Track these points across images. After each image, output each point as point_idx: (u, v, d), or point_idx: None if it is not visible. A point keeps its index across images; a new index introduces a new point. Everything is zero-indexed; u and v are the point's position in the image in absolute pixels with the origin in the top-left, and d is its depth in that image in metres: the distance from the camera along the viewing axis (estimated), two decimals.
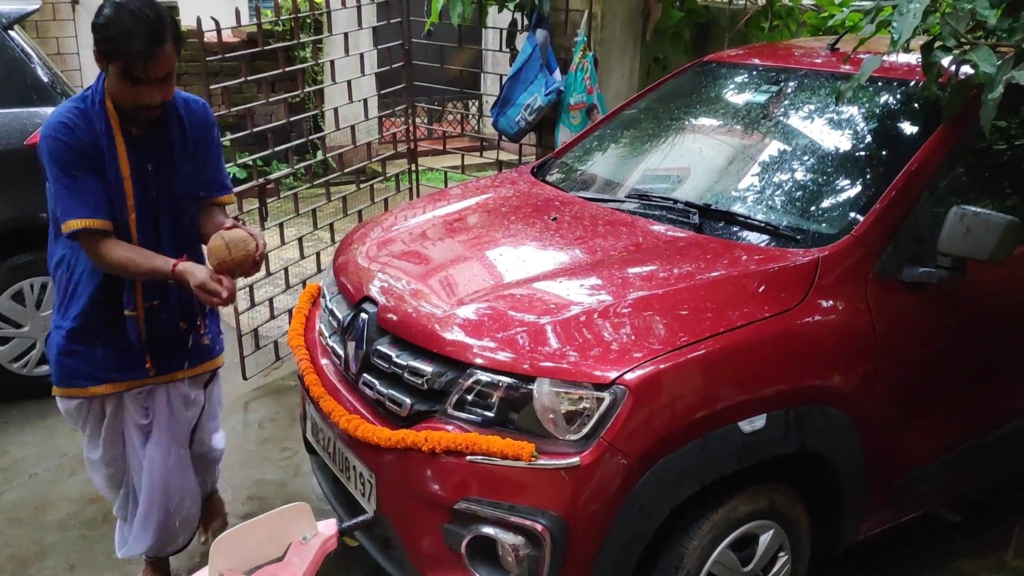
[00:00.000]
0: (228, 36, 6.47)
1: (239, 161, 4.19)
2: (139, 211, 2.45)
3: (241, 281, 4.16)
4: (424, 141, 6.24)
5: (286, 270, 4.43)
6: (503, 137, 4.81)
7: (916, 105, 2.86)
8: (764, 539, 2.38)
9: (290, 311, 4.47)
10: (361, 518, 2.05)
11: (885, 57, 2.59)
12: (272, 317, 4.41)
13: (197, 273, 2.34)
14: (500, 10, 4.81)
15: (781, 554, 2.46)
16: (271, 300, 4.39)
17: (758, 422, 2.21)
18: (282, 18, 4.68)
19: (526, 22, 4.66)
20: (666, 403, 2.12)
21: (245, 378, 4.25)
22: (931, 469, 2.69)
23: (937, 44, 2.28)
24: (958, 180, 2.71)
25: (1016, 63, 2.07)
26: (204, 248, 2.50)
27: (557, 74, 4.49)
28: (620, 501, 2.09)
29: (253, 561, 1.97)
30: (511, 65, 4.65)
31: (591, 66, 4.51)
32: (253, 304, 4.30)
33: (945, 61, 2.29)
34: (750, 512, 2.32)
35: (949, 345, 2.61)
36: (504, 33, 4.90)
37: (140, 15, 2.23)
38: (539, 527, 2.08)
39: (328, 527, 2.02)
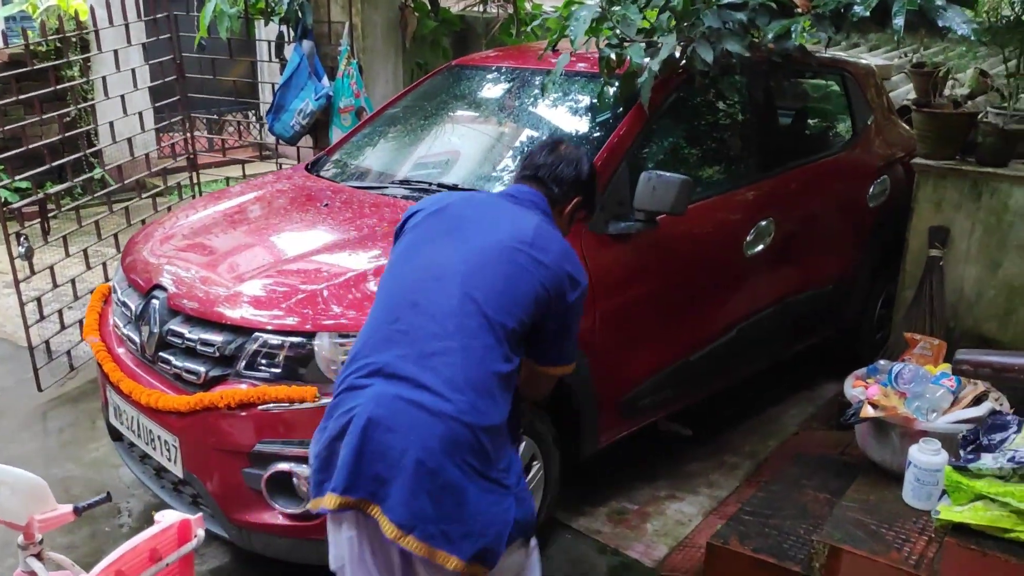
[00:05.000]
0: None
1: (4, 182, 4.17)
2: None
3: (27, 294, 4.26)
4: (204, 152, 6.41)
5: (73, 282, 4.52)
6: (279, 141, 5.14)
7: (615, 92, 3.50)
8: (519, 449, 2.90)
9: (80, 322, 4.58)
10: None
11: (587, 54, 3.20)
12: (63, 328, 4.49)
13: None
14: (267, 23, 5.13)
15: (535, 463, 2.99)
16: (60, 312, 4.47)
17: None
18: (49, 38, 4.74)
19: (292, 34, 5.02)
20: None
21: (40, 390, 4.32)
22: (648, 387, 3.33)
23: (603, 43, 2.91)
24: (648, 150, 3.37)
25: (654, 55, 2.73)
26: None
27: (325, 80, 4.88)
28: None
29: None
30: (281, 74, 5.00)
31: (356, 72, 4.95)
32: (42, 317, 4.38)
33: (613, 56, 2.92)
34: None
35: (650, 284, 3.25)
36: (272, 45, 5.23)
37: None
38: None
39: (65, 507, 2.16)
